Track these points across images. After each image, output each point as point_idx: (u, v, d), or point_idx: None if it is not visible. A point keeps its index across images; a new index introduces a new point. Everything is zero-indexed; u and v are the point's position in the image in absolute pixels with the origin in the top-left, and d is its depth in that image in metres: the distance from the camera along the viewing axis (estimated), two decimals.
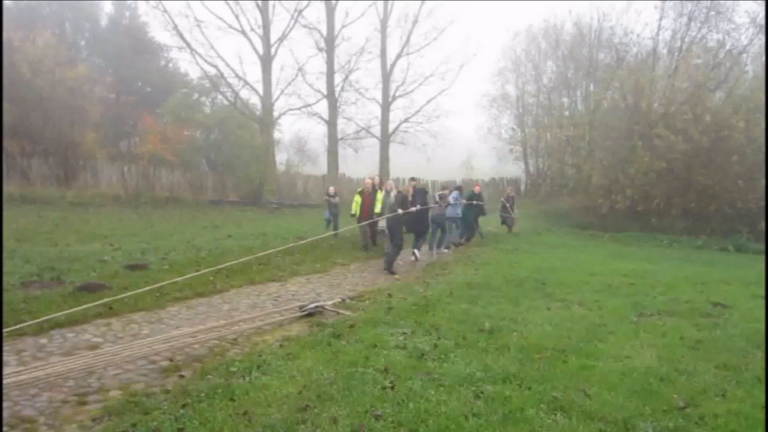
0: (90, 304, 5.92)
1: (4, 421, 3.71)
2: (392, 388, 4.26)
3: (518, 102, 35.81)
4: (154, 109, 28.45)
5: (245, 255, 10.09)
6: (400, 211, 10.24)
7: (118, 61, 32.44)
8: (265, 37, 27.64)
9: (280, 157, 30.49)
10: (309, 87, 30.14)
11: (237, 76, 27.47)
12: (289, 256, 10.52)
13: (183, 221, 17.66)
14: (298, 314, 6.60)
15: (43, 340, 5.34)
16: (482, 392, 4.22)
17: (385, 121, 31.75)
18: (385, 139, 31.63)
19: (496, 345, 5.40)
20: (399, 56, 31.46)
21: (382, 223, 11.52)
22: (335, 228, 14.05)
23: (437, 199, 12.35)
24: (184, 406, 3.95)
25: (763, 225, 17.41)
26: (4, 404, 3.94)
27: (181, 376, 4.65)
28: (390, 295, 7.75)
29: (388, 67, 31.57)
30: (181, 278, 6.45)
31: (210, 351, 5.33)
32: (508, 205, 18.06)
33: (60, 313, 5.31)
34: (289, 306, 6.97)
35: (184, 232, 14.37)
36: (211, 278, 8.40)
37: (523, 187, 33.43)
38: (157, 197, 23.63)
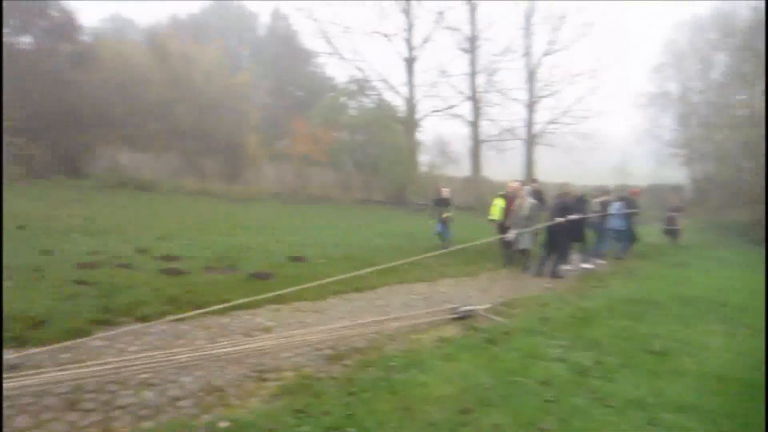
0: (272, 293, 6.45)
1: (199, 389, 4.20)
2: (554, 402, 4.14)
3: (681, 100, 32.77)
4: (306, 112, 30.38)
5: (395, 253, 10.41)
6: (559, 219, 9.93)
7: (274, 68, 35.17)
8: (409, 40, 28.27)
9: (423, 159, 30.91)
10: (451, 88, 30.29)
11: (381, 79, 28.42)
12: (438, 257, 10.62)
13: (333, 218, 18.64)
14: (451, 316, 6.65)
15: (226, 320, 5.96)
16: (657, 419, 3.94)
17: (529, 122, 30.89)
18: (530, 141, 30.75)
19: (667, 369, 5.00)
20: (544, 54, 30.43)
21: (514, 236, 10.33)
22: (443, 239, 12.06)
23: (596, 206, 11.73)
24: (350, 393, 4.17)
25: None
26: (199, 373, 4.47)
27: (345, 366, 4.93)
28: (544, 305, 7.52)
29: (533, 66, 30.67)
30: (345, 275, 6.81)
31: (369, 344, 5.58)
32: (675, 216, 16.45)
33: (243, 300, 5.86)
34: (441, 307, 7.06)
35: (336, 228, 15.17)
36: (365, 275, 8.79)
37: (688, 194, 30.40)
38: (310, 195, 25.20)
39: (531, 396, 4.22)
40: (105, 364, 4.31)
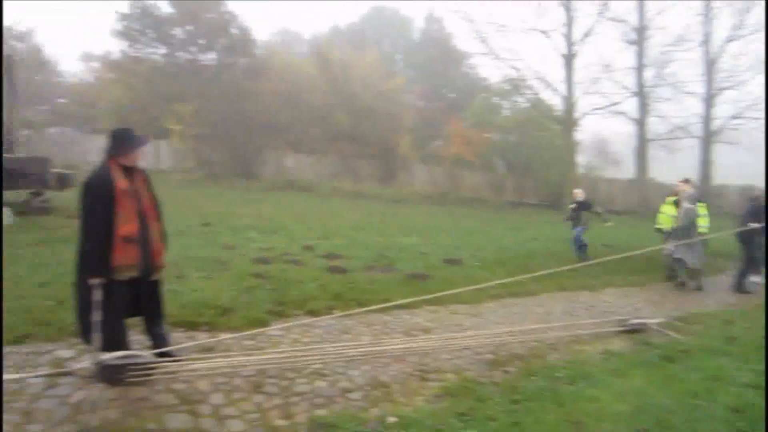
0: (435, 294, 6.57)
1: (366, 383, 4.39)
2: None
3: None
4: (458, 114, 30.38)
5: (550, 259, 10.03)
6: (755, 225, 8.84)
7: (427, 71, 35.72)
8: (568, 36, 27.00)
9: (580, 160, 29.35)
10: (615, 84, 28.35)
11: (538, 77, 27.47)
12: (601, 264, 10.02)
13: (485, 221, 18.44)
14: (618, 328, 6.24)
15: (387, 318, 6.17)
16: None
17: (707, 117, 27.85)
18: (707, 139, 27.74)
19: None
20: (728, 41, 27.19)
21: (672, 248, 9.22)
22: (578, 249, 10.66)
23: None
24: (514, 401, 4.09)
25: None
26: (365, 368, 4.67)
27: (506, 372, 4.85)
28: (729, 322, 6.75)
29: (713, 55, 27.58)
30: (507, 279, 6.73)
31: (530, 352, 5.43)
32: None
33: (408, 300, 6.02)
34: (606, 318, 6.66)
35: (488, 231, 14.99)
36: (523, 280, 8.60)
37: None
38: (461, 197, 25.20)
39: (720, 423, 3.81)
40: (282, 352, 4.69)
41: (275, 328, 5.37)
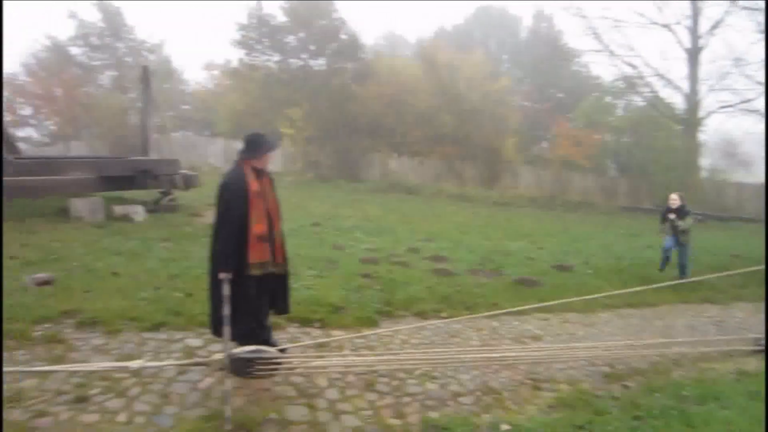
0: (556, 302, 6.40)
1: (477, 388, 4.35)
2: None
3: None
4: (566, 114, 29.21)
5: (671, 268, 9.36)
6: None
7: (534, 71, 34.70)
8: (693, 28, 25.06)
9: (704, 162, 27.14)
10: (746, 79, 25.84)
11: (657, 74, 25.74)
12: (729, 276, 9.21)
13: (596, 226, 17.60)
14: (753, 347, 5.71)
15: (495, 323, 6.06)
16: None
17: None
18: None
19: None
20: None
21: None
22: (680, 264, 9.01)
23: None
24: (636, 418, 3.89)
25: None
26: (475, 372, 4.63)
27: (625, 386, 4.61)
28: None
29: None
30: (628, 290, 6.39)
31: (651, 367, 5.13)
32: None
33: (517, 308, 5.91)
34: (739, 336, 6.12)
35: (600, 237, 14.30)
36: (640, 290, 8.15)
37: None
38: (570, 200, 24.22)
39: None
40: (393, 353, 4.77)
41: (385, 328, 5.45)
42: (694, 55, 25.06)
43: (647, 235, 15.40)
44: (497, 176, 25.59)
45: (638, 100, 27.50)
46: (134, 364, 3.32)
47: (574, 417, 3.86)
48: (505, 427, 3.65)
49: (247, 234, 4.06)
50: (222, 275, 3.92)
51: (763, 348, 5.64)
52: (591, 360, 5.11)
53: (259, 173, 4.25)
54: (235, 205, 4.07)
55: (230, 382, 3.73)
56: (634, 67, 25.85)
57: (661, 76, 25.81)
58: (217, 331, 4.16)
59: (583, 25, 26.77)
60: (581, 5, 26.29)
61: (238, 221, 4.05)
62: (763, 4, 22.96)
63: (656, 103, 26.12)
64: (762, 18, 24.21)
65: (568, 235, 14.09)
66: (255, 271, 4.11)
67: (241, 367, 3.84)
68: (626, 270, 9.49)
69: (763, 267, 7.62)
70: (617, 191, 26.43)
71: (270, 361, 3.77)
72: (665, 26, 25.29)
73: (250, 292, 4.12)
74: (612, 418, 3.86)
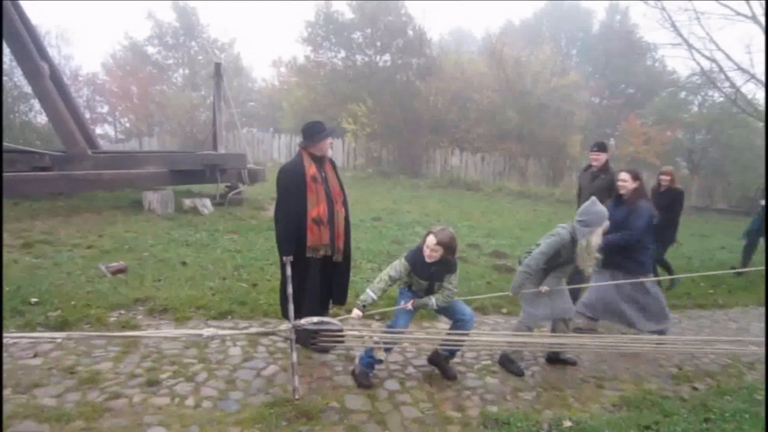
0: None
1: (537, 384, 4.31)
2: None
3: None
4: (637, 110, 28.11)
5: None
6: None
7: (605, 66, 33.55)
8: None
9: None
10: None
11: (739, 68, 24.28)
12: None
13: None
14: None
15: None
16: None
17: None
18: None
19: None
20: None
21: None
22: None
23: None
24: (706, 420, 3.75)
25: None
26: (535, 368, 4.59)
27: (694, 388, 4.46)
28: None
29: None
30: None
31: (723, 369, 4.93)
32: None
33: None
34: None
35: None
36: (711, 291, 7.82)
37: None
38: None
39: None
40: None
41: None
42: None
43: (719, 236, 14.72)
44: (561, 173, 24.94)
45: (716, 96, 26.08)
46: (207, 331, 3.50)
47: (640, 417, 3.78)
48: (567, 423, 3.61)
49: (306, 218, 4.20)
50: (285, 258, 4.09)
51: None
52: (658, 359, 4.96)
53: (318, 159, 4.39)
54: (293, 190, 4.23)
55: (288, 370, 3.88)
56: (713, 60, 24.51)
57: (744, 71, 24.35)
58: (285, 313, 4.32)
59: (660, 18, 25.40)
60: None
61: (296, 206, 4.21)
62: None
63: (736, 99, 24.67)
64: None
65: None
66: (314, 254, 4.25)
67: (305, 339, 3.96)
68: (697, 270, 9.07)
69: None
70: (689, 190, 25.24)
71: (334, 333, 3.86)
72: (752, 18, 23.82)
73: (311, 274, 4.27)
74: (680, 420, 3.74)
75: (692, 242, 13.09)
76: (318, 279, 4.39)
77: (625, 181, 5.27)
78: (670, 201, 7.44)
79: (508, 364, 4.53)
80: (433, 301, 4.07)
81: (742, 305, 7.36)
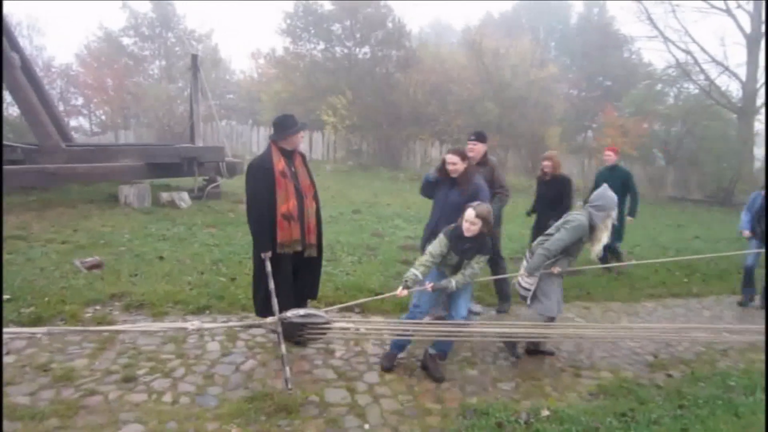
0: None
1: (516, 375, 4.35)
2: None
3: None
4: (614, 103, 28.40)
5: (721, 260, 9.08)
6: None
7: (582, 58, 33.81)
8: (755, 12, 23.87)
9: (759, 153, 25.95)
10: None
11: (714, 60, 24.70)
12: None
13: (643, 216, 17.11)
14: None
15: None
16: None
17: None
18: None
19: None
20: None
21: None
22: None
23: None
24: (681, 407, 3.83)
25: None
26: (513, 360, 4.63)
27: (669, 375, 4.55)
28: None
29: None
30: None
31: (696, 357, 5.04)
32: None
33: None
34: None
35: (646, 227, 13.97)
36: (685, 280, 7.97)
37: None
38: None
39: None
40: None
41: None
42: (754, 41, 23.93)
43: (694, 226, 15.00)
44: (540, 165, 25.11)
45: (692, 88, 26.50)
46: (192, 324, 3.46)
47: (616, 405, 3.85)
48: (545, 412, 3.66)
49: (275, 213, 4.17)
50: (263, 255, 4.07)
51: None
52: (633, 348, 5.05)
53: (288, 153, 4.35)
54: (261, 186, 4.18)
55: (269, 364, 3.85)
56: (689, 53, 24.90)
57: (718, 63, 24.79)
58: (259, 311, 4.29)
59: (637, 11, 25.66)
60: None
61: (265, 201, 4.17)
62: None
63: (710, 91, 25.09)
64: None
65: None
66: (285, 250, 4.23)
67: (291, 332, 3.94)
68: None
69: None
70: (665, 181, 25.64)
71: (320, 325, 3.85)
72: (725, 11, 24.23)
73: (283, 270, 4.25)
74: (655, 407, 3.82)
75: (669, 232, 13.34)
76: (290, 274, 4.36)
77: (455, 164, 4.88)
78: (557, 192, 6.93)
79: (536, 348, 4.77)
80: (453, 283, 4.11)
81: (716, 294, 7.49)
